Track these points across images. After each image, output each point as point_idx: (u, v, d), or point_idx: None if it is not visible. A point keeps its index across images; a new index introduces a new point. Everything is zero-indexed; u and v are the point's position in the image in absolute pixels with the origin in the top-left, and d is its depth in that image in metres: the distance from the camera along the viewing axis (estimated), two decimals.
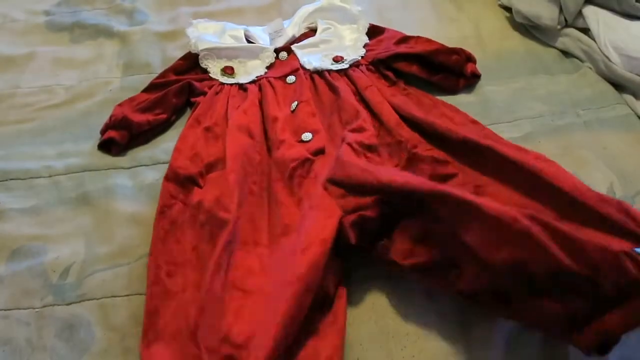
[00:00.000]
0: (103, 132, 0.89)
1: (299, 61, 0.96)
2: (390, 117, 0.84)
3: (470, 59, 0.97)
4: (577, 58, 1.01)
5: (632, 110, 0.91)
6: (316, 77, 0.94)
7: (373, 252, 0.69)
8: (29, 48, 1.08)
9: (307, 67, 0.95)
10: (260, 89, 0.93)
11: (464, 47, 0.98)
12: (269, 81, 0.94)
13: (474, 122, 0.86)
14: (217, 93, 0.93)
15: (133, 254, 0.75)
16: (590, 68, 0.98)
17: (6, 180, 0.84)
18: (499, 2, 1.12)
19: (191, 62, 0.99)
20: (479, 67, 0.98)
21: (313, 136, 0.83)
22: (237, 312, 0.64)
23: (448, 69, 0.95)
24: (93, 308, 0.70)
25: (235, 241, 0.70)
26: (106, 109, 0.93)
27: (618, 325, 0.55)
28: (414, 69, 0.95)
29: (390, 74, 0.94)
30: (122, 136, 0.87)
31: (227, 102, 0.91)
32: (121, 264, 0.74)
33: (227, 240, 0.68)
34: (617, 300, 0.55)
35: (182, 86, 0.94)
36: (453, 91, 0.95)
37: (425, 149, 0.79)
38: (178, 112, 0.94)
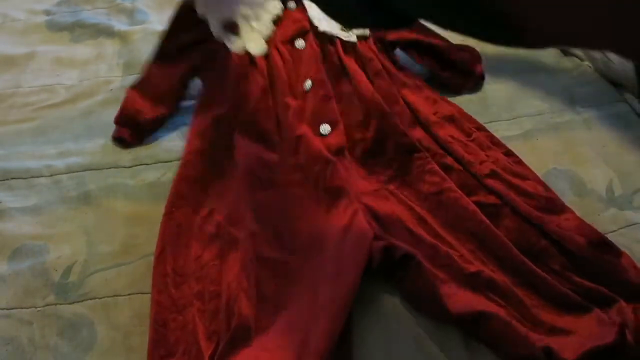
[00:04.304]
0: (116, 123, 0.89)
1: (307, 15, 0.87)
2: (403, 117, 0.81)
3: (479, 59, 0.94)
4: (577, 57, 1.01)
5: (632, 108, 0.91)
6: (326, 46, 0.85)
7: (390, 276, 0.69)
8: (29, 48, 1.08)
9: (316, 24, 0.86)
10: (268, 62, 0.84)
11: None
12: (277, 48, 0.85)
13: (479, 128, 0.84)
14: (223, 68, 0.85)
15: (135, 253, 0.75)
16: (590, 66, 0.98)
17: (7, 179, 0.84)
18: None
19: (191, 20, 0.89)
20: None
21: (332, 129, 0.78)
22: (267, 328, 0.64)
23: (456, 67, 0.92)
24: (95, 307, 0.70)
25: (256, 256, 0.68)
26: (107, 108, 0.93)
27: None
28: (425, 60, 0.91)
29: (394, 55, 0.90)
30: (131, 137, 0.87)
31: (238, 83, 0.83)
32: (123, 263, 0.74)
33: (244, 259, 0.67)
34: None
35: (187, 73, 0.90)
36: (458, 91, 0.92)
37: (434, 154, 0.78)
38: (185, 98, 0.93)
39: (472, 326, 0.64)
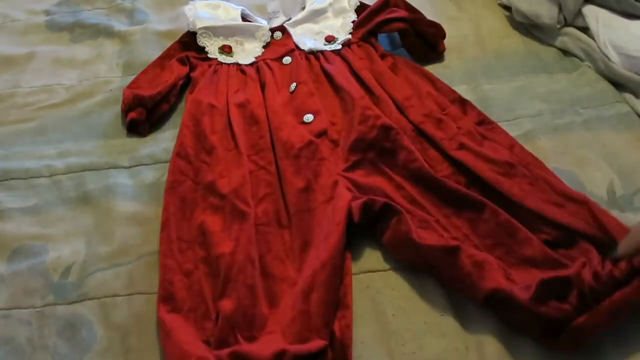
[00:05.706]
0: (123, 111, 0.91)
1: (293, 41, 0.99)
2: (383, 104, 0.87)
3: (444, 36, 1.01)
4: (577, 57, 1.01)
5: (632, 108, 0.91)
6: (312, 57, 0.96)
7: (374, 230, 0.74)
8: (29, 48, 1.08)
9: (302, 47, 0.98)
10: (258, 71, 0.95)
11: (464, 47, 1.00)
12: (266, 63, 0.96)
13: (454, 99, 0.89)
14: (215, 72, 0.95)
15: (134, 253, 0.75)
16: (590, 67, 0.98)
17: (7, 179, 0.85)
18: (499, 2, 1.12)
19: (187, 44, 1.01)
20: (479, 65, 0.98)
21: (314, 117, 0.85)
22: (271, 300, 0.68)
23: (423, 39, 1.00)
24: (94, 307, 0.70)
25: (257, 229, 0.73)
26: (106, 108, 0.94)
27: (586, 327, 0.61)
28: (395, 27, 0.99)
29: (376, 42, 0.98)
30: (140, 113, 0.90)
31: (227, 82, 0.93)
32: (122, 263, 0.74)
33: (252, 233, 0.72)
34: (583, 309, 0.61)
35: (181, 58, 0.97)
36: (420, 61, 0.98)
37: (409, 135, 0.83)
38: (183, 88, 0.96)
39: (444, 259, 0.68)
